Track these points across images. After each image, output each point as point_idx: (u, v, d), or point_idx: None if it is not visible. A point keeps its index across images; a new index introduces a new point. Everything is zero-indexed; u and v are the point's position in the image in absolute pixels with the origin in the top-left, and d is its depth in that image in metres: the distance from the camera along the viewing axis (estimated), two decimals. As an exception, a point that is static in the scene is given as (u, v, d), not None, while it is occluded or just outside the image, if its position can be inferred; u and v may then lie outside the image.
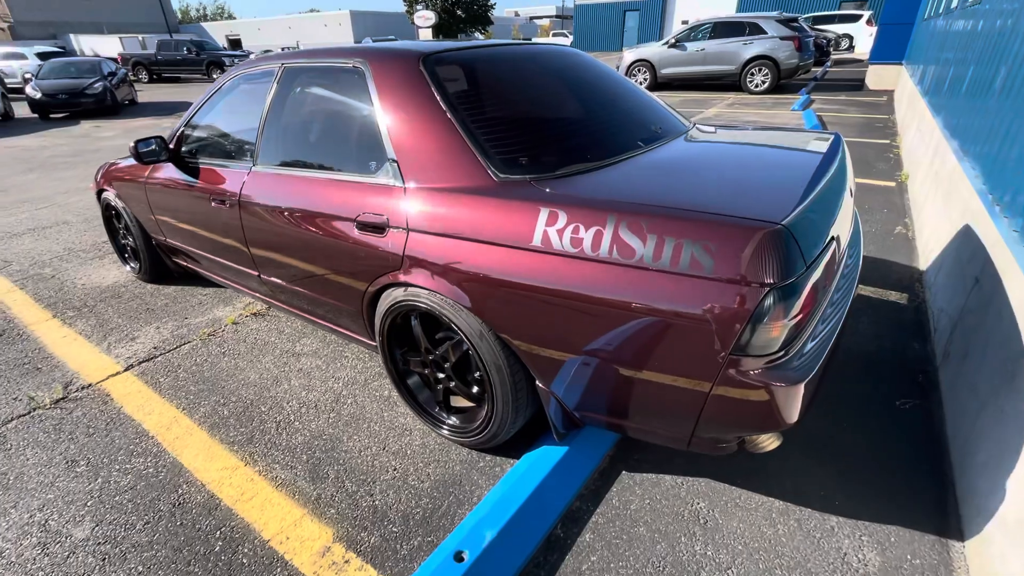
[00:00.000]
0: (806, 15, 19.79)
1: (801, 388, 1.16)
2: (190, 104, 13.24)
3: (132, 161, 3.01)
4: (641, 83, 12.25)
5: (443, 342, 1.72)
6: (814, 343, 1.29)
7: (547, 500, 1.54)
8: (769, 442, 1.37)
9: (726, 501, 1.59)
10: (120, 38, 34.51)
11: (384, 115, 1.68)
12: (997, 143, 2.24)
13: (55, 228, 4.48)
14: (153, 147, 2.44)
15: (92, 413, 2.10)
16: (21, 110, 13.04)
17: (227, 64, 20.48)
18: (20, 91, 14.19)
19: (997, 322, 1.64)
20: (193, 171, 2.44)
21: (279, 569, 1.43)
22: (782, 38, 10.49)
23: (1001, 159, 2.12)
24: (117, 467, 1.82)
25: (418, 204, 1.58)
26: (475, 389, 1.71)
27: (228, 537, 1.54)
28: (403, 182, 1.62)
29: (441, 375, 1.79)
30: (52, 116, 12.11)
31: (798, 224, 1.17)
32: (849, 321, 2.54)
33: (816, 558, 1.41)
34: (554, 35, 39.43)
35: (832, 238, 1.33)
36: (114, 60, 19.26)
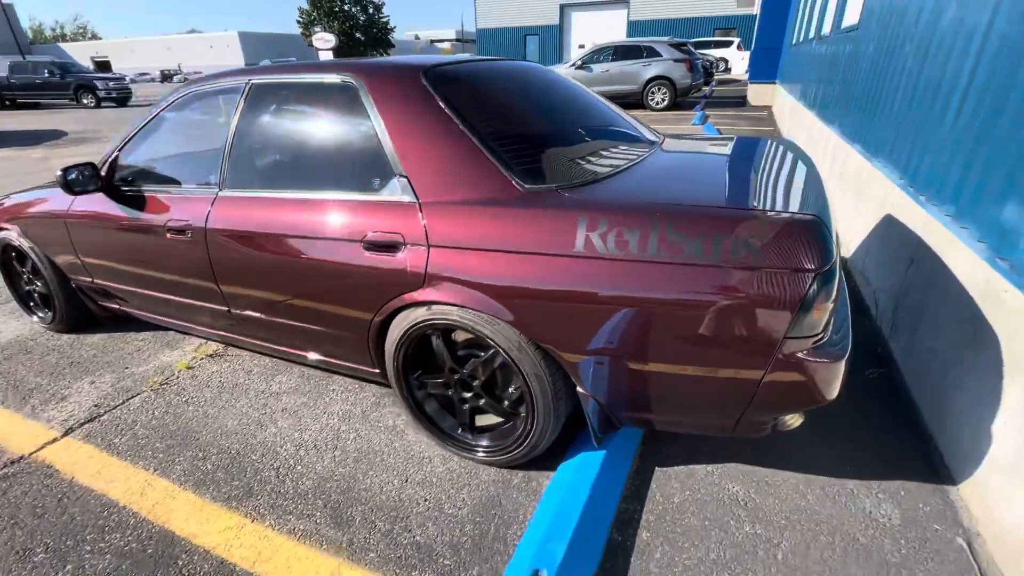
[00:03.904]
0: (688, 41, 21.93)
1: (843, 364, 1.28)
2: (63, 132, 11.83)
3: (41, 193, 2.61)
4: (553, 102, 12.77)
5: (467, 360, 1.67)
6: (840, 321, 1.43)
7: (600, 506, 1.54)
8: (796, 420, 1.48)
9: (756, 481, 1.68)
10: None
11: (387, 131, 1.62)
12: (912, 143, 2.62)
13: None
14: (84, 174, 2.14)
15: (35, 490, 1.76)
16: None
17: (100, 88, 18.43)
18: None
19: (944, 293, 1.91)
20: (134, 201, 2.17)
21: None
22: (675, 60, 11.53)
23: (916, 156, 2.48)
24: (89, 548, 1.54)
25: (439, 219, 1.53)
26: (506, 404, 1.67)
27: (258, 604, 1.35)
28: (416, 197, 1.57)
29: (467, 395, 1.72)
30: None
31: (824, 216, 1.29)
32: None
33: (848, 519, 1.53)
34: (457, 58, 39.93)
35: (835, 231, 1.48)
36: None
